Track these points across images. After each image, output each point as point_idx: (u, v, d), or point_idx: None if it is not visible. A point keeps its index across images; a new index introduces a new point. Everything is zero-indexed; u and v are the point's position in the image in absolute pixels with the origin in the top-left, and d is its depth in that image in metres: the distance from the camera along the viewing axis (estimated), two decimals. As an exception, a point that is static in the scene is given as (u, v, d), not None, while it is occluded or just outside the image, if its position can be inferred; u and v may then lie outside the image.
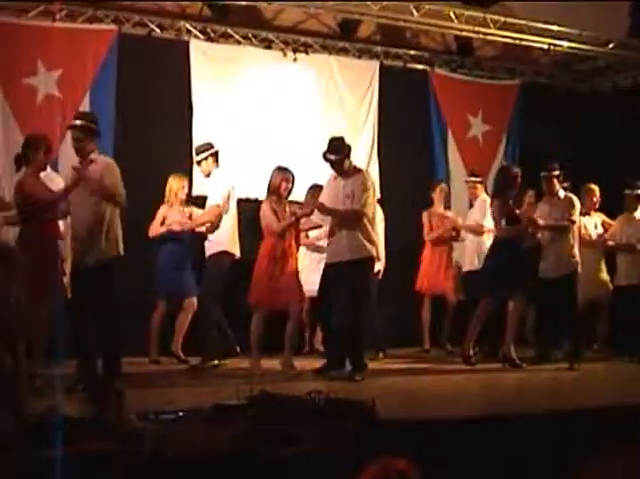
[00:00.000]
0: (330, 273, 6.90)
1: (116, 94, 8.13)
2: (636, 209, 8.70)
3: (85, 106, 7.97)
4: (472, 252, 8.61)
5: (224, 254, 7.34)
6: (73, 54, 8.06)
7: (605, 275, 8.67)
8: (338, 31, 9.57)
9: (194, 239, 7.64)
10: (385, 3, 8.75)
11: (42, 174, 6.18)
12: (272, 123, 8.95)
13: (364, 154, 9.38)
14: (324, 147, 6.94)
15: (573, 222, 7.89)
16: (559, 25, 9.40)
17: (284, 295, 6.93)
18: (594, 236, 8.67)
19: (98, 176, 5.98)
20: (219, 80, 8.82)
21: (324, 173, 7.23)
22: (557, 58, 10.52)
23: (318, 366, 6.88)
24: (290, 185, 7.14)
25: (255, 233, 7.60)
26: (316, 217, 7.17)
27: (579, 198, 8.22)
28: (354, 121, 9.45)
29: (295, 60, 9.17)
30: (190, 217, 7.71)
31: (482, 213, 8.48)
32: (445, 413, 4.94)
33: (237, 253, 7.46)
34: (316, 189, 7.43)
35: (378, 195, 8.02)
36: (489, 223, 8.19)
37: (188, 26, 8.75)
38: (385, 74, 9.61)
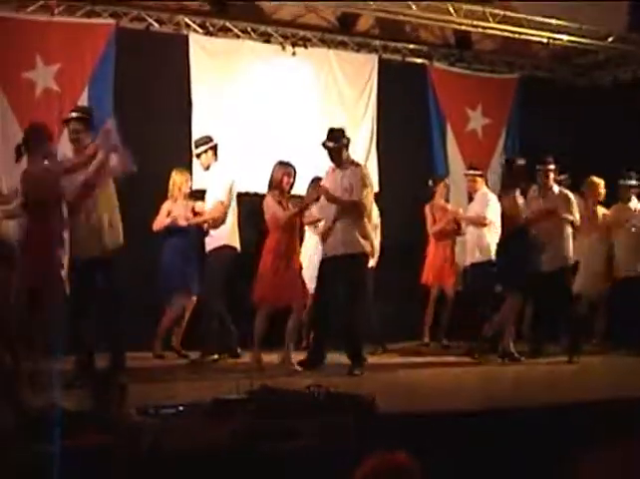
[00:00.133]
0: (325, 267, 6.94)
1: (114, 88, 8.11)
2: (630, 199, 8.74)
3: (83, 100, 7.96)
4: (472, 245, 8.60)
5: (225, 248, 7.35)
6: (71, 48, 8.05)
7: (606, 269, 8.67)
8: (337, 25, 9.56)
9: (197, 235, 7.64)
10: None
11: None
12: (271, 117, 8.94)
13: (363, 147, 9.38)
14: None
15: (566, 218, 7.90)
16: (558, 19, 9.39)
17: (288, 291, 6.91)
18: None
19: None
20: (218, 74, 8.81)
21: (323, 166, 7.23)
22: (556, 52, 10.51)
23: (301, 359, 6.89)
24: (292, 179, 7.13)
25: (254, 227, 7.60)
26: (315, 211, 7.18)
27: (582, 191, 8.24)
28: (353, 115, 9.44)
29: (294, 54, 9.16)
30: (193, 211, 7.71)
31: (483, 206, 8.47)
32: (444, 407, 4.95)
33: (238, 247, 7.46)
34: (318, 182, 7.43)
35: (376, 189, 8.02)
36: (490, 216, 8.20)
37: (187, 20, 8.74)
38: (384, 68, 9.59)
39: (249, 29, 9.02)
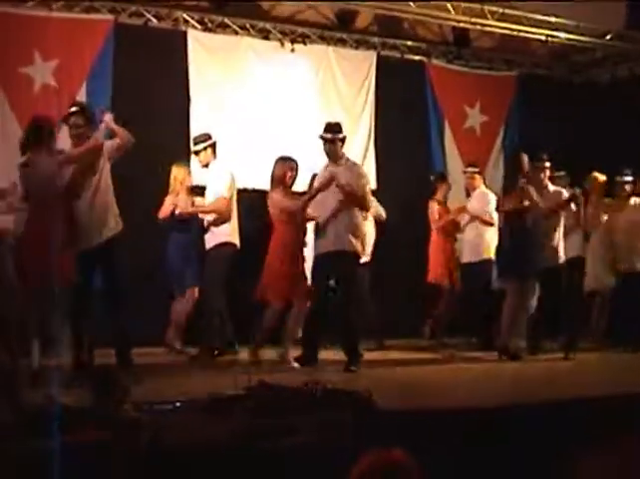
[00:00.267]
0: (317, 264, 6.96)
1: (112, 84, 8.11)
2: (628, 196, 8.75)
3: (82, 96, 7.95)
4: (472, 244, 8.59)
5: (226, 245, 7.34)
6: (70, 44, 8.05)
7: (610, 265, 8.65)
8: (336, 22, 9.58)
9: (200, 231, 7.63)
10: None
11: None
12: (269, 113, 8.94)
13: (361, 144, 9.39)
14: (321, 137, 6.97)
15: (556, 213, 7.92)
16: (557, 17, 9.40)
17: (293, 287, 6.91)
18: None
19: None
20: (217, 70, 8.81)
21: (321, 163, 7.22)
22: (555, 49, 10.52)
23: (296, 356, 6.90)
24: (295, 174, 7.11)
25: (253, 223, 7.60)
26: (310, 209, 7.16)
27: (585, 187, 8.26)
28: (351, 112, 9.45)
29: (293, 51, 9.16)
30: (193, 205, 7.69)
31: (484, 204, 8.48)
32: (442, 403, 4.96)
33: (238, 244, 7.47)
34: None
35: (374, 186, 8.03)
36: (493, 214, 8.25)
37: (186, 16, 8.74)
38: (382, 65, 9.60)
39: (248, 25, 9.03)
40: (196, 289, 7.58)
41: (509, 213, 7.65)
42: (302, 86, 9.25)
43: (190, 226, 7.60)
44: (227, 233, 7.36)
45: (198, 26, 8.80)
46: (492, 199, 8.40)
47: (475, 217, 8.60)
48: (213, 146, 7.47)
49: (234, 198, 7.47)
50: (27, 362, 5.39)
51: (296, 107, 9.13)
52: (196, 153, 7.51)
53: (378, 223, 8.28)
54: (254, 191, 8.26)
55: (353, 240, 6.82)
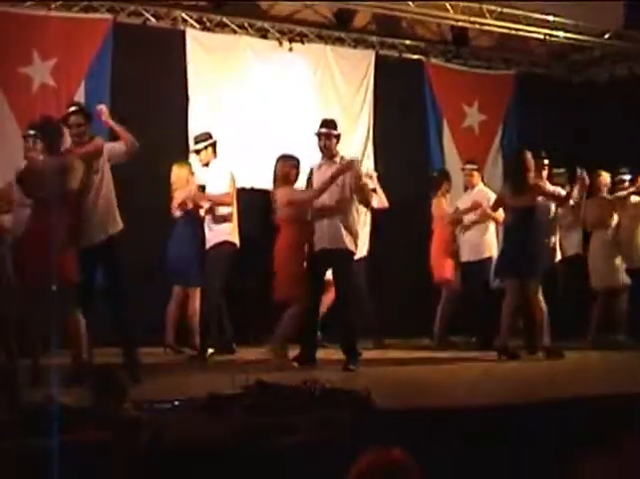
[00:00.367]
0: (312, 262, 6.95)
1: (111, 83, 8.11)
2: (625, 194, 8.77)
3: (80, 96, 7.94)
4: (471, 243, 8.57)
5: (226, 244, 7.34)
6: (68, 43, 8.04)
7: (620, 262, 8.57)
8: (334, 21, 9.58)
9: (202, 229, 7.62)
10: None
11: None
12: (268, 113, 8.94)
13: (359, 144, 9.39)
14: (318, 136, 6.97)
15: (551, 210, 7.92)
16: (555, 16, 9.41)
17: (294, 286, 6.89)
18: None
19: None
20: (215, 69, 8.81)
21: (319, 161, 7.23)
22: (553, 48, 10.53)
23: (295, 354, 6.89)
24: (297, 171, 7.07)
25: (252, 222, 7.60)
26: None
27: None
28: (350, 111, 9.44)
29: (291, 50, 9.17)
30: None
31: (482, 201, 8.47)
32: (441, 402, 4.97)
33: (238, 243, 7.46)
34: None
35: (372, 185, 8.02)
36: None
37: (184, 15, 8.74)
38: (381, 64, 9.60)
39: (246, 24, 9.03)
40: (198, 289, 7.58)
41: (517, 210, 7.57)
42: (300, 85, 9.25)
43: (196, 222, 7.61)
44: (227, 232, 7.36)
45: (197, 25, 8.80)
46: (492, 196, 8.39)
47: (484, 214, 8.50)
48: (214, 145, 7.48)
49: (234, 197, 7.48)
50: (27, 362, 5.40)
51: (294, 106, 9.13)
52: (197, 152, 7.52)
53: (380, 211, 8.24)
54: (253, 190, 8.26)
55: (347, 238, 6.82)
